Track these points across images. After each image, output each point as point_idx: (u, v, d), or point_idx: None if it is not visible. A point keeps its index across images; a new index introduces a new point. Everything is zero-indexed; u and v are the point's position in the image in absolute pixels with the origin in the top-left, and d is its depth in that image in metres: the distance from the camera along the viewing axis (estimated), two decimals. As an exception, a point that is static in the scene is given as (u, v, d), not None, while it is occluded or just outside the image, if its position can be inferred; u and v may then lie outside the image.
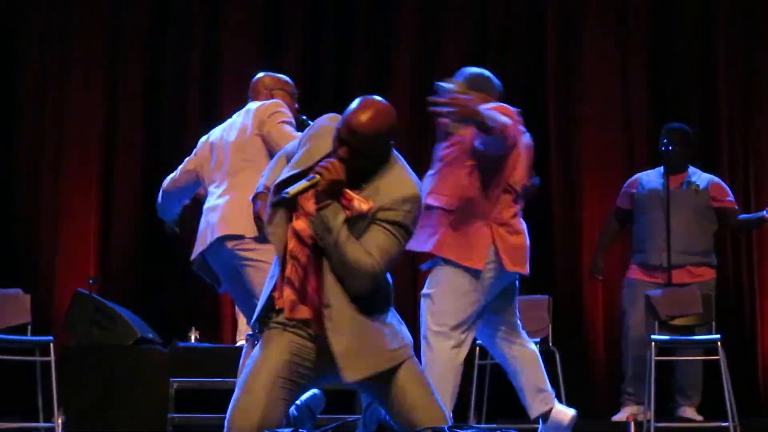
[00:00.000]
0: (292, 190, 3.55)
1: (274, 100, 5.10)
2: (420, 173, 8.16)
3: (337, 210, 3.57)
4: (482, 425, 5.85)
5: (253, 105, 5.11)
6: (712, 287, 7.12)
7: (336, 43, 8.76)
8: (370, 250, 3.58)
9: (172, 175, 5.34)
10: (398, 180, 3.66)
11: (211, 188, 5.06)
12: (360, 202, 3.58)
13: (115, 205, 8.48)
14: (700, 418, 7.09)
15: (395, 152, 3.74)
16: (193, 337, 7.20)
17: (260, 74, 5.34)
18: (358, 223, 3.60)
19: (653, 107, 8.53)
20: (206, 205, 5.04)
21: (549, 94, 8.62)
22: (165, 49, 8.75)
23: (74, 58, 8.56)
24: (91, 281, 7.58)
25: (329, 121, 3.79)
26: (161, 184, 5.41)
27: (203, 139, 5.28)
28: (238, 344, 7.13)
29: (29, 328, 7.16)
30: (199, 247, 4.95)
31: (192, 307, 8.17)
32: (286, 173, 3.73)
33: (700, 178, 7.27)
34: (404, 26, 8.75)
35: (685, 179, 7.22)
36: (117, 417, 6.55)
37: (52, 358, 6.63)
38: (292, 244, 3.68)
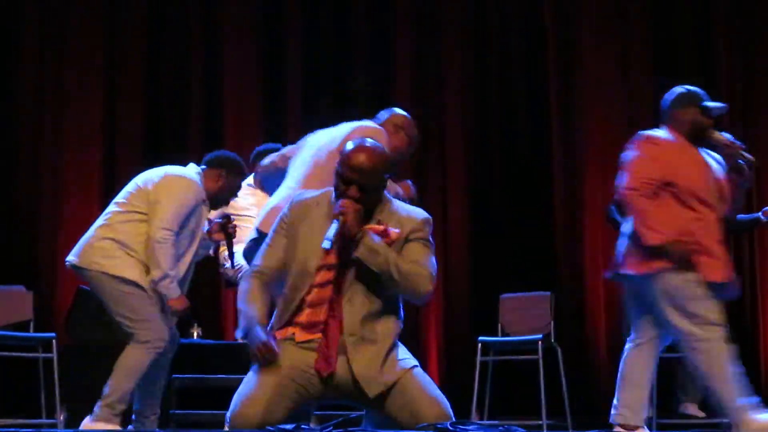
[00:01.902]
0: (331, 238, 3.77)
1: (377, 127, 5.10)
2: (425, 158, 8.20)
3: (373, 235, 3.85)
4: (484, 421, 5.84)
5: (358, 123, 5.14)
6: None
7: (336, 42, 8.80)
8: (415, 259, 3.90)
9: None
10: (409, 209, 4.04)
11: (288, 180, 5.15)
12: (392, 230, 3.90)
13: (116, 202, 8.49)
14: (702, 414, 7.09)
15: (387, 193, 4.06)
16: (195, 334, 7.19)
17: (395, 109, 5.37)
18: (392, 247, 3.89)
19: (656, 104, 8.53)
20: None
21: (551, 91, 8.63)
22: (164, 42, 8.78)
23: (72, 55, 8.57)
24: (93, 278, 7.56)
25: (304, 199, 4.04)
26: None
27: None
28: (239, 341, 7.14)
29: (31, 324, 7.18)
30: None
31: (193, 304, 8.15)
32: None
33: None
34: (403, 23, 8.78)
35: None
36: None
37: (54, 354, 6.64)
38: (312, 294, 3.87)
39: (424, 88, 8.76)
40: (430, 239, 3.98)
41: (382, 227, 3.89)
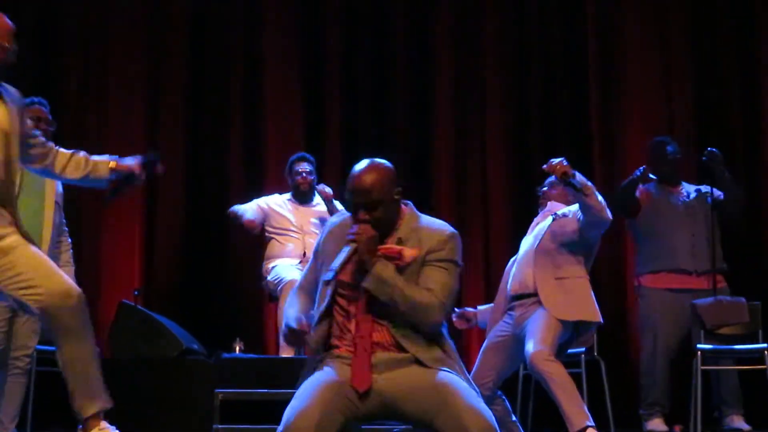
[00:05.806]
0: (338, 263, 3.84)
1: None
2: (464, 157, 8.22)
3: (385, 263, 3.82)
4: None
5: None
6: (728, 294, 7.08)
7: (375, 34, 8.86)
8: (429, 287, 3.85)
9: None
10: (434, 225, 3.99)
11: None
12: (408, 251, 3.86)
13: (158, 217, 8.53)
14: (748, 427, 7.03)
15: (413, 207, 4.03)
16: (237, 348, 7.20)
17: None
18: (409, 269, 3.87)
19: (697, 113, 8.53)
20: None
21: (591, 96, 8.65)
22: (206, 51, 8.83)
23: (114, 76, 8.64)
24: (135, 293, 7.61)
25: (337, 222, 4.07)
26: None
27: None
28: (281, 356, 7.16)
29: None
30: None
31: (236, 319, 8.19)
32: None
33: (694, 188, 7.35)
34: (442, 39, 8.81)
35: (687, 189, 7.32)
36: (163, 428, 6.57)
37: (98, 369, 6.64)
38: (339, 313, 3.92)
39: (465, 80, 8.80)
40: (454, 257, 3.94)
41: (397, 248, 3.87)
